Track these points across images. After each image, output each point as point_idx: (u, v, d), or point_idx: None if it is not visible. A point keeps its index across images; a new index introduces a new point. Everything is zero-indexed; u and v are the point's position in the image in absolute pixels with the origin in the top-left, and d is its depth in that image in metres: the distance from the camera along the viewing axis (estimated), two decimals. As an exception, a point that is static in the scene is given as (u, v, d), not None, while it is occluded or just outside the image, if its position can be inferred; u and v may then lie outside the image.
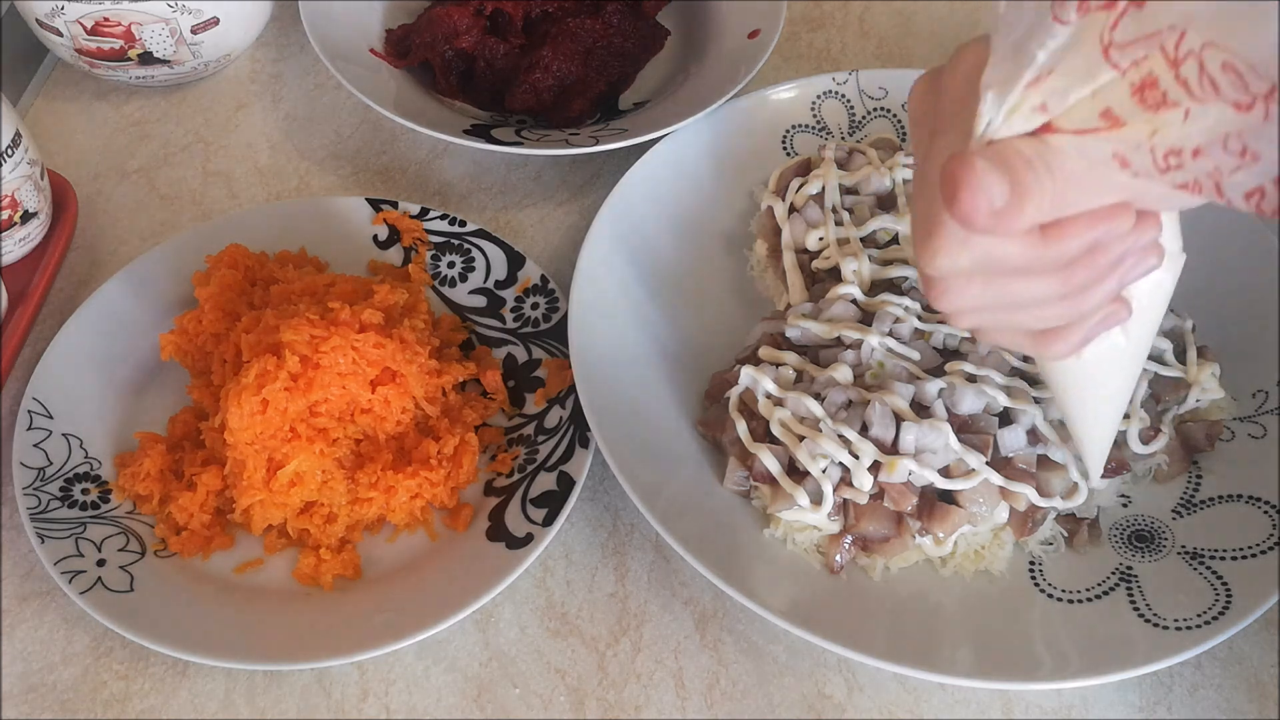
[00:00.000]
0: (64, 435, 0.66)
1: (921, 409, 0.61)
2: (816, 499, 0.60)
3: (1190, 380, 0.65)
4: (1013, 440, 0.61)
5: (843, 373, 0.62)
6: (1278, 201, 0.35)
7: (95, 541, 0.62)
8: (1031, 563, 0.62)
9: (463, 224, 0.76)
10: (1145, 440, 0.63)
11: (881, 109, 0.82)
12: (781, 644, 0.62)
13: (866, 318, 0.65)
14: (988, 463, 0.59)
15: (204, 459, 0.65)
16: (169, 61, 0.83)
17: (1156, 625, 0.58)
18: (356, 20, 0.86)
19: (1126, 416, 0.62)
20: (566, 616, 0.63)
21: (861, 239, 0.69)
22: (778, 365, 0.64)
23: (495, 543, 0.62)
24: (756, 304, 0.74)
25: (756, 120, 0.81)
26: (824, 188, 0.72)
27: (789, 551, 0.62)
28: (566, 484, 0.64)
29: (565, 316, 0.70)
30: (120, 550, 0.62)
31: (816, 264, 0.70)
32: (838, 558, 0.61)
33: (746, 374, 0.64)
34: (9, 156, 0.70)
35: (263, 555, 0.64)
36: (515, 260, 0.74)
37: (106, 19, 0.78)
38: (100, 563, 0.61)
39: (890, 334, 0.64)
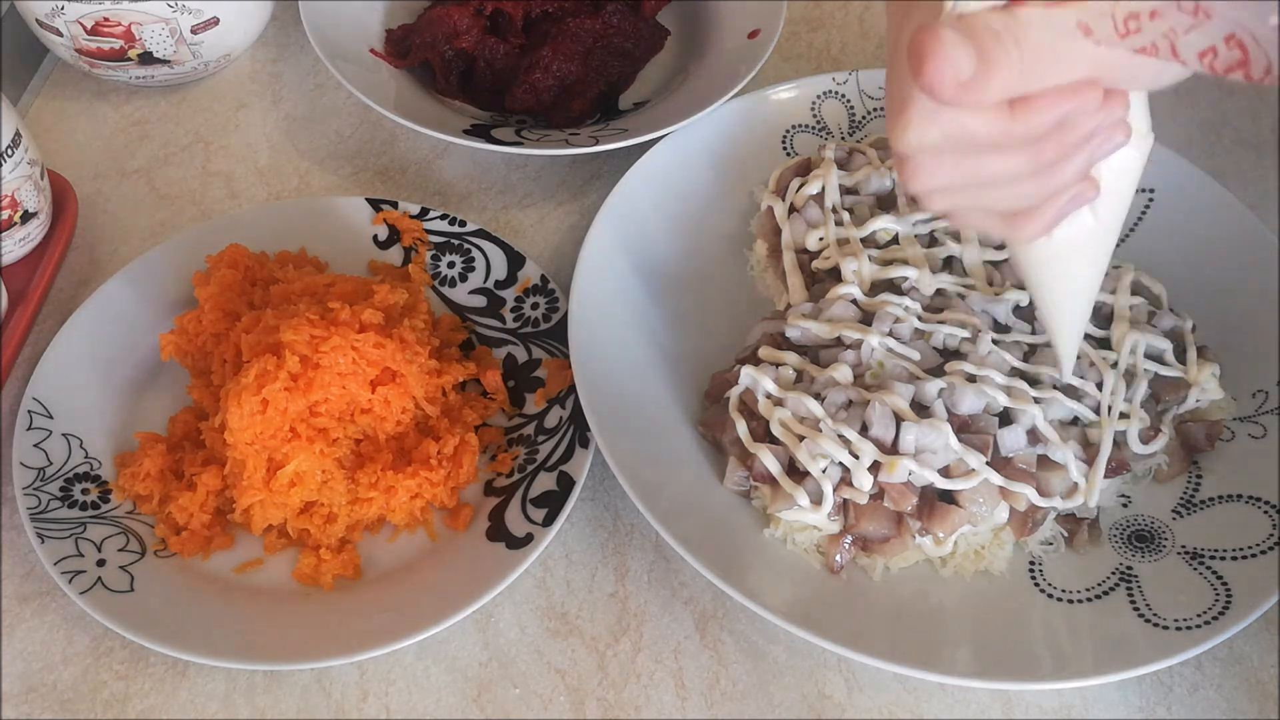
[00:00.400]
0: (64, 435, 0.66)
1: (921, 409, 0.61)
2: (816, 499, 0.60)
3: (1190, 380, 0.65)
4: (1013, 440, 0.61)
5: (843, 373, 0.62)
6: (1228, 60, 0.36)
7: (95, 541, 0.62)
8: (1031, 563, 0.62)
9: (463, 224, 0.76)
10: (1145, 440, 0.63)
11: (882, 109, 0.82)
12: (781, 644, 0.62)
13: (866, 318, 0.65)
14: (988, 463, 0.59)
15: (204, 459, 0.65)
16: (169, 61, 0.83)
17: (1156, 625, 0.58)
18: (356, 20, 0.86)
19: (1125, 416, 0.63)
20: (566, 616, 0.63)
21: (861, 239, 0.69)
22: (778, 365, 0.64)
23: (495, 543, 0.62)
24: (756, 304, 0.73)
25: (756, 120, 0.80)
26: (824, 188, 0.72)
27: (789, 551, 0.62)
28: (566, 484, 0.64)
29: (565, 316, 0.70)
30: (120, 550, 0.62)
31: (816, 264, 0.70)
32: (838, 558, 0.61)
33: (746, 374, 0.64)
34: (9, 156, 0.70)
35: (263, 555, 0.64)
36: (515, 260, 0.74)
37: (106, 19, 0.78)
38: (100, 563, 0.61)
39: (890, 334, 0.64)
